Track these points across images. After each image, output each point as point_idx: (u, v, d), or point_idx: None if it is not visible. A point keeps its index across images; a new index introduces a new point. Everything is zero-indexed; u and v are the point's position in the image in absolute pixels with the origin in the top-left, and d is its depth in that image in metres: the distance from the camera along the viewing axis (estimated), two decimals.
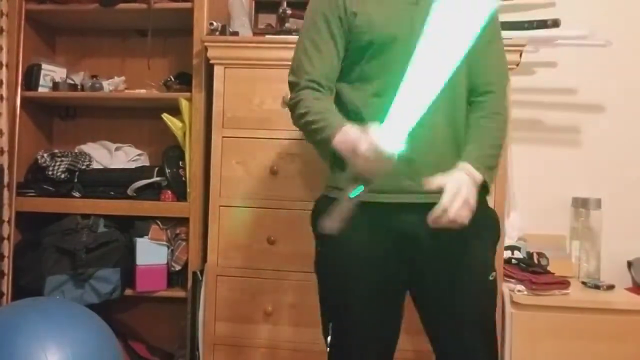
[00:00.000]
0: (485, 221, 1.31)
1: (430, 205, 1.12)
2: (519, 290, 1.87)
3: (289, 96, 1.37)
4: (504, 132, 1.31)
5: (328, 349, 1.32)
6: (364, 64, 1.28)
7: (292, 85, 1.33)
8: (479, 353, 1.26)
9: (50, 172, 2.14)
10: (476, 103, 1.31)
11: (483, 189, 1.22)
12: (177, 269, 2.14)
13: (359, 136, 1.08)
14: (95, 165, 2.22)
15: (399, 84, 1.07)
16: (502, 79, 1.36)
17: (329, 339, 1.31)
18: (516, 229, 2.16)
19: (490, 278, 1.28)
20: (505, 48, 1.81)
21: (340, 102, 1.32)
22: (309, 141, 1.32)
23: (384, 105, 1.09)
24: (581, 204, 2.18)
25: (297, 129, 1.36)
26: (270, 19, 2.22)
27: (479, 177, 1.19)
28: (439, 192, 1.13)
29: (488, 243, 1.33)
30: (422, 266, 1.28)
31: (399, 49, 1.23)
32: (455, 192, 1.10)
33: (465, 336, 1.26)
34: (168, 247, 2.14)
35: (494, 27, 1.32)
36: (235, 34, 2.03)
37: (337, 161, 1.22)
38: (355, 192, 1.07)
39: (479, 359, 1.27)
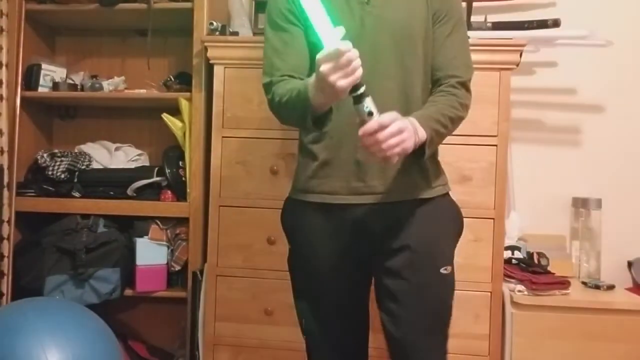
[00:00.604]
0: (446, 212, 1.33)
1: (381, 205, 1.26)
2: (519, 291, 1.87)
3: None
4: (457, 113, 1.28)
5: (304, 338, 1.41)
6: None
7: (266, 87, 1.31)
8: (422, 347, 1.27)
9: (50, 172, 2.14)
10: (436, 92, 1.32)
11: (419, 152, 1.20)
12: (177, 269, 2.14)
13: (318, 66, 1.04)
14: (95, 165, 2.22)
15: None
16: (466, 72, 1.33)
17: (304, 324, 1.39)
18: (516, 229, 2.15)
19: (443, 271, 1.27)
20: (506, 48, 1.83)
21: None
22: (292, 121, 1.30)
23: (342, 106, 1.18)
24: (581, 204, 2.18)
25: (285, 123, 1.36)
26: None
27: (421, 131, 1.16)
28: (386, 192, 1.26)
29: (446, 235, 1.32)
30: (378, 256, 1.30)
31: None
32: (395, 119, 1.09)
33: (408, 325, 1.26)
34: (168, 247, 2.14)
35: (455, 19, 1.32)
36: (235, 34, 2.03)
37: (318, 122, 1.19)
38: (366, 103, 1.08)
39: (420, 351, 1.27)
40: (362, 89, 1.07)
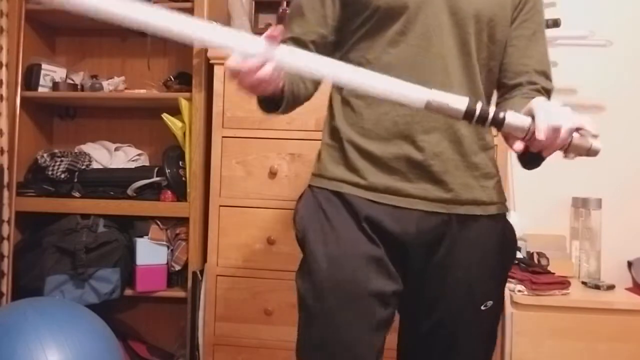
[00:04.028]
0: (493, 241, 1.13)
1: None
2: (519, 290, 1.87)
3: None
4: None
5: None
6: (364, 38, 1.11)
7: None
8: None
9: (50, 172, 2.14)
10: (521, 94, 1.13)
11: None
12: (177, 269, 2.14)
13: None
14: (95, 165, 2.22)
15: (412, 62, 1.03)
16: (548, 77, 1.16)
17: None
18: (516, 228, 2.15)
19: (483, 307, 1.12)
20: None
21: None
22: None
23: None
24: (581, 204, 2.18)
25: None
26: (270, 19, 2.22)
27: None
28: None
29: (494, 267, 1.14)
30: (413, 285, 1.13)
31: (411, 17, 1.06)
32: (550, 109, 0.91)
33: None
34: (168, 247, 2.14)
35: (541, 15, 1.17)
36: None
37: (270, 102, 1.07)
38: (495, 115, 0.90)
39: None
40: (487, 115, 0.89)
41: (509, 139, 0.96)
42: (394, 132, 1.06)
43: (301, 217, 1.15)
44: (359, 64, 1.06)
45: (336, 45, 1.16)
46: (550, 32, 2.08)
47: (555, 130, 0.89)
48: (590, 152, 0.90)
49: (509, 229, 1.18)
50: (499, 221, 1.15)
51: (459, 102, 0.88)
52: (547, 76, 1.15)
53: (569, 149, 0.91)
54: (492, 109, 0.89)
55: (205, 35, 0.86)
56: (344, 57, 1.12)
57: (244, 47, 0.86)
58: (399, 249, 1.08)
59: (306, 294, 1.09)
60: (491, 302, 1.13)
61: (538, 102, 0.95)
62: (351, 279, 1.05)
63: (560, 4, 2.26)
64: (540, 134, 0.88)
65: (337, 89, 1.16)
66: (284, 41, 1.07)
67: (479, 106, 0.88)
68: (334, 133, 1.14)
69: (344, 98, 1.14)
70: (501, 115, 0.89)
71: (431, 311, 1.12)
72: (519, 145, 0.92)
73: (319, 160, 1.16)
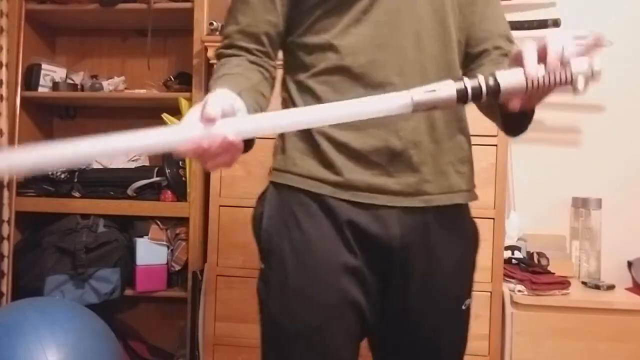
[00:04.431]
0: (467, 232, 1.07)
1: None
2: (519, 290, 1.86)
3: None
4: None
5: None
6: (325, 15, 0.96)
7: (220, 50, 1.01)
8: None
9: (50, 172, 2.13)
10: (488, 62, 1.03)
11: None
12: (177, 269, 2.14)
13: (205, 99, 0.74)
14: (95, 165, 2.22)
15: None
16: (511, 40, 1.05)
17: None
18: (516, 229, 2.15)
19: (463, 307, 1.06)
20: None
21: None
22: None
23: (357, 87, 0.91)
24: (581, 204, 2.18)
25: None
26: None
27: None
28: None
29: (468, 261, 1.07)
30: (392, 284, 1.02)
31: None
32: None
33: None
34: (168, 247, 2.14)
35: None
36: None
37: None
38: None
39: None
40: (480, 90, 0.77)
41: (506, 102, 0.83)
42: (369, 120, 0.85)
43: (266, 222, 0.98)
44: (321, 48, 0.95)
45: (286, 32, 1.01)
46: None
47: (558, 43, 0.74)
48: (595, 72, 0.75)
49: (472, 218, 1.08)
50: (467, 210, 1.06)
51: (446, 88, 0.76)
52: (510, 39, 1.05)
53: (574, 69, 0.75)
54: (480, 79, 0.76)
55: (135, 145, 0.76)
56: (298, 43, 0.99)
57: (184, 139, 0.72)
58: (382, 257, 0.96)
59: (279, 313, 0.96)
60: (469, 299, 1.06)
61: (518, 48, 0.82)
62: (329, 293, 0.94)
63: (560, 4, 2.26)
64: (551, 51, 0.73)
65: (292, 72, 1.01)
66: (224, 45, 0.98)
67: (467, 83, 0.76)
68: None
69: (303, 83, 0.98)
70: (491, 81, 0.76)
71: (413, 322, 1.01)
72: (516, 104, 0.80)
73: (282, 152, 1.00)
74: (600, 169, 2.25)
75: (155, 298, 2.15)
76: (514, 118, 0.89)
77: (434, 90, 0.75)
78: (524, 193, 2.25)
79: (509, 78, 0.77)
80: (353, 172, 0.94)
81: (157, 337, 2.35)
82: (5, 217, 2.10)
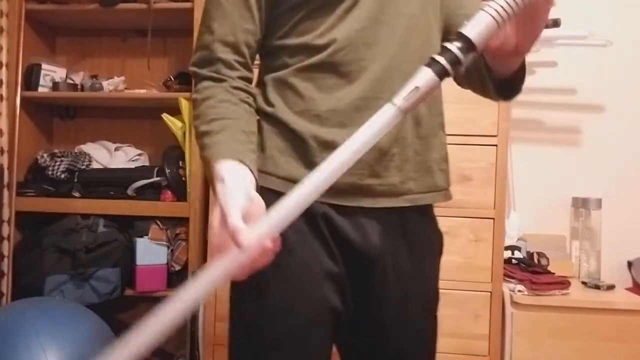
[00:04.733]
0: (436, 236, 1.04)
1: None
2: (519, 291, 1.87)
3: None
4: None
5: None
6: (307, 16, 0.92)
7: (195, 69, 0.94)
8: None
9: (50, 172, 2.13)
10: None
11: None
12: (177, 269, 2.14)
13: (223, 201, 0.73)
14: (95, 165, 2.22)
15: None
16: None
17: None
18: (516, 229, 2.15)
19: (437, 314, 1.04)
20: None
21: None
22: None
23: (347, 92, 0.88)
24: (581, 204, 2.18)
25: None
26: None
27: None
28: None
29: (438, 264, 1.05)
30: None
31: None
32: None
33: None
34: (168, 247, 2.14)
35: None
36: None
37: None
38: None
39: None
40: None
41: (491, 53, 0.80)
42: (356, 117, 0.86)
43: None
44: (305, 48, 0.91)
45: (265, 35, 0.96)
46: (550, 32, 2.08)
47: None
48: None
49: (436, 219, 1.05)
50: (433, 210, 1.03)
51: (425, 77, 0.72)
52: None
53: None
54: (448, 45, 0.72)
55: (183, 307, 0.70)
56: (279, 45, 0.94)
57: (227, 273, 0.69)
58: (361, 264, 0.93)
59: (256, 321, 0.92)
60: (438, 302, 1.03)
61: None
62: (310, 300, 0.90)
63: (560, 4, 2.26)
64: None
65: (271, 72, 0.95)
66: (200, 59, 0.92)
67: (439, 58, 0.72)
68: (276, 125, 0.93)
69: (282, 79, 0.93)
70: (459, 39, 0.71)
71: (387, 328, 0.98)
72: (495, 41, 0.75)
73: (261, 150, 0.93)
74: (600, 169, 2.25)
75: (155, 298, 2.14)
76: (506, 79, 0.88)
77: (417, 88, 0.71)
78: (524, 193, 2.25)
79: (473, 24, 0.72)
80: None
81: None
82: (6, 217, 2.09)
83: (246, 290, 0.94)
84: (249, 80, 0.95)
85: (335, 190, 0.86)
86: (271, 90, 0.94)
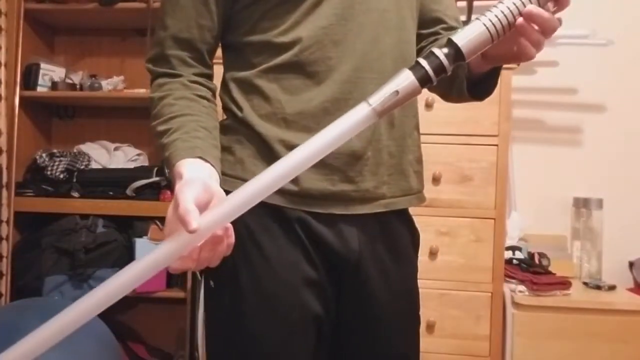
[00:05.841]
0: (413, 236, 1.02)
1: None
2: (520, 291, 1.86)
3: None
4: None
5: None
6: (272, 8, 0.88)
7: (149, 66, 0.92)
8: None
9: (49, 172, 2.13)
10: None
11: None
12: None
13: (178, 191, 0.69)
14: (94, 165, 2.21)
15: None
16: (459, 21, 1.03)
17: None
18: (517, 229, 2.15)
19: (420, 314, 1.03)
20: None
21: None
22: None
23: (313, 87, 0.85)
24: (582, 204, 2.17)
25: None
26: None
27: None
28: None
29: (416, 266, 1.03)
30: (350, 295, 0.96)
31: None
32: None
33: None
34: None
35: None
36: None
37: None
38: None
39: None
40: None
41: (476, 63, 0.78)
42: (325, 121, 0.76)
43: None
44: (269, 46, 0.88)
45: (226, 30, 0.92)
46: None
47: None
48: None
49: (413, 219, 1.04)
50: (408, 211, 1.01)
51: (405, 83, 0.68)
52: (458, 20, 1.02)
53: None
54: (437, 52, 0.69)
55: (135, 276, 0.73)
56: (243, 42, 0.90)
57: (172, 257, 0.70)
58: (340, 270, 0.91)
59: (236, 332, 0.89)
60: (419, 300, 1.02)
61: None
62: (290, 309, 0.87)
63: None
64: None
65: (234, 70, 0.92)
66: (155, 55, 0.89)
67: (424, 63, 0.69)
68: (244, 129, 0.89)
69: (247, 81, 0.89)
70: (449, 48, 0.69)
71: (371, 332, 0.96)
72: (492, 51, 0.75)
73: (230, 152, 0.90)
74: (601, 169, 2.25)
75: (155, 299, 2.14)
76: (481, 78, 0.86)
77: (397, 92, 0.68)
78: (524, 193, 2.24)
79: (466, 33, 0.69)
80: (309, 181, 0.86)
81: (156, 338, 2.35)
82: (4, 217, 2.09)
83: (223, 303, 0.90)
84: (207, 77, 0.92)
85: (307, 196, 0.86)
86: (237, 92, 0.91)
